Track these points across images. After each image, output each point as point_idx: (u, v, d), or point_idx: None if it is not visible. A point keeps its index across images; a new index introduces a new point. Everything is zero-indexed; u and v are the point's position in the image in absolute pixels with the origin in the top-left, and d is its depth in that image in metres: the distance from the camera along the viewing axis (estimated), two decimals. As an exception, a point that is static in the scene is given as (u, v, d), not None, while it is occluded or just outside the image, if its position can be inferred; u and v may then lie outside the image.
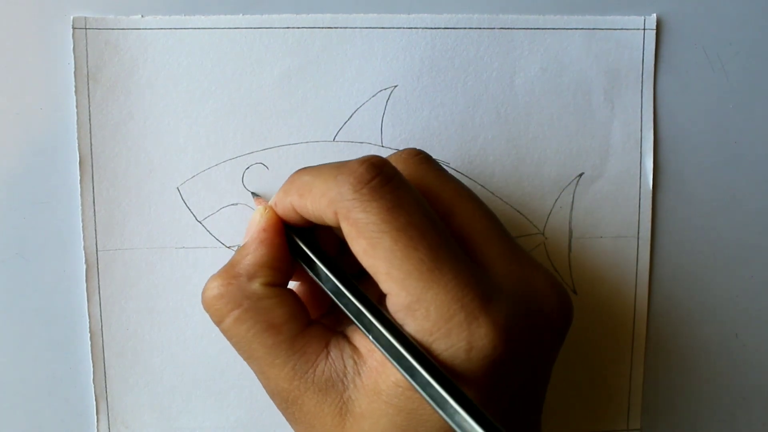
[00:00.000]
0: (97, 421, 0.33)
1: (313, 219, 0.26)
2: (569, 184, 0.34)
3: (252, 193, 0.33)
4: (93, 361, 0.33)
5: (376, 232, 0.24)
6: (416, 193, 0.25)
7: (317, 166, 0.26)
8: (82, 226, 0.32)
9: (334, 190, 0.24)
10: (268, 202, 0.28)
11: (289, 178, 0.27)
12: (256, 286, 0.26)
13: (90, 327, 0.33)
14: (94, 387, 0.33)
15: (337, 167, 0.25)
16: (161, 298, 0.33)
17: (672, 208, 0.35)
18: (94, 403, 0.33)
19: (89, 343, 0.33)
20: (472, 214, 0.27)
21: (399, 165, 0.27)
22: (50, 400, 0.33)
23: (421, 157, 0.28)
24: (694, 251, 0.36)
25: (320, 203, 0.25)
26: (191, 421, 0.34)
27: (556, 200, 0.34)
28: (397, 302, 0.24)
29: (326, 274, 0.26)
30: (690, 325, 0.36)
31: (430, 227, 0.24)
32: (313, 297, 0.30)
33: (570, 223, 0.34)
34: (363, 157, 0.25)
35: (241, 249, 0.27)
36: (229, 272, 0.26)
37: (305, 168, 0.27)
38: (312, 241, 0.27)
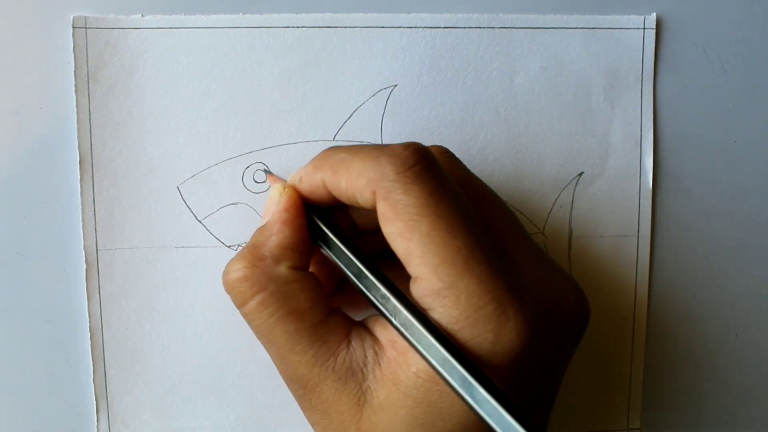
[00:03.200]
0: (97, 421, 0.33)
1: (344, 198, 0.26)
2: (569, 183, 0.34)
3: (264, 171, 0.32)
4: (93, 361, 0.33)
5: (415, 215, 0.24)
6: (455, 184, 0.25)
7: (352, 146, 0.26)
8: (82, 226, 0.32)
9: (375, 170, 0.24)
10: (282, 181, 0.28)
11: (320, 154, 0.27)
12: (282, 269, 0.26)
13: (90, 326, 0.33)
14: (94, 386, 0.33)
15: (379, 149, 0.25)
16: (161, 298, 0.33)
17: (672, 208, 0.35)
18: (94, 402, 0.33)
19: (89, 342, 0.33)
20: (497, 213, 0.27)
21: None
22: (50, 400, 0.33)
23: (448, 154, 0.28)
24: (694, 251, 0.36)
25: (357, 182, 0.25)
26: (191, 420, 0.34)
27: (556, 199, 0.34)
28: (426, 287, 0.24)
29: (349, 257, 0.26)
30: (690, 325, 0.36)
31: (468, 218, 0.24)
32: (321, 277, 0.29)
33: (570, 222, 0.34)
34: (407, 142, 0.25)
35: (262, 229, 0.27)
36: (253, 254, 0.26)
37: (338, 146, 0.27)
38: (332, 222, 0.27)
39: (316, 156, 0.27)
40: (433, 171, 0.24)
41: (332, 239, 0.26)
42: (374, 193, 0.24)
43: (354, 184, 0.25)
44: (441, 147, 0.28)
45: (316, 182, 0.26)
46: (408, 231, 0.24)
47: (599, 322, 0.35)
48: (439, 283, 0.23)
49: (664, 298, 0.36)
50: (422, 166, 0.24)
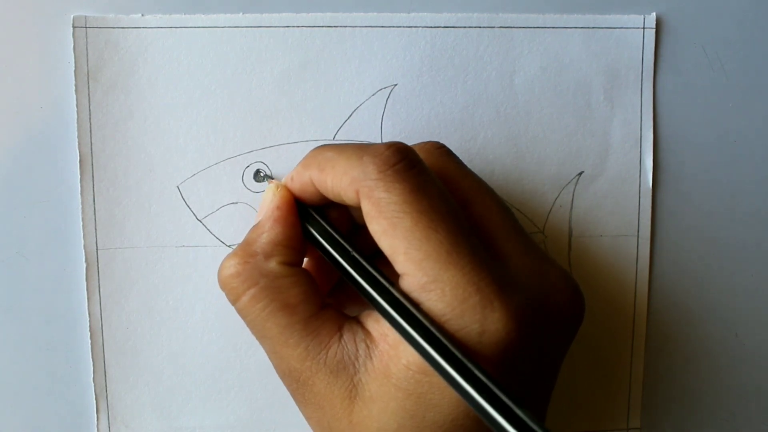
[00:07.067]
0: (97, 420, 0.33)
1: (330, 195, 0.26)
2: (569, 182, 0.34)
3: (262, 173, 0.32)
4: (93, 360, 0.33)
5: (398, 213, 0.24)
6: (438, 181, 0.26)
7: (340, 144, 0.27)
8: (82, 225, 0.32)
9: (358, 169, 0.25)
10: (278, 181, 0.29)
11: (309, 152, 0.27)
12: (272, 264, 0.26)
13: (90, 326, 0.33)
14: (94, 386, 0.33)
15: (363, 148, 0.26)
16: (161, 297, 0.33)
17: (672, 207, 0.35)
18: (94, 402, 0.33)
19: (89, 341, 0.33)
20: (489, 208, 0.28)
21: (422, 155, 0.27)
22: (50, 400, 0.33)
23: (443, 150, 0.29)
24: (694, 250, 0.36)
25: (342, 181, 0.25)
26: (191, 420, 0.34)
27: (556, 199, 0.34)
28: (412, 282, 0.24)
29: (342, 252, 0.26)
30: (690, 324, 0.36)
31: (451, 213, 0.25)
32: (318, 275, 0.30)
33: (570, 221, 0.34)
34: (389, 141, 0.26)
35: (255, 227, 0.27)
36: (245, 251, 0.27)
37: (327, 144, 0.27)
38: (325, 219, 0.28)
39: (306, 155, 0.28)
40: (415, 169, 0.25)
41: (325, 235, 0.27)
42: (358, 192, 0.25)
43: (339, 182, 0.25)
44: (437, 143, 0.29)
45: (305, 181, 0.27)
46: (392, 228, 0.24)
47: (599, 322, 0.35)
48: (425, 277, 0.24)
49: (664, 297, 0.36)
50: (403, 165, 0.25)
